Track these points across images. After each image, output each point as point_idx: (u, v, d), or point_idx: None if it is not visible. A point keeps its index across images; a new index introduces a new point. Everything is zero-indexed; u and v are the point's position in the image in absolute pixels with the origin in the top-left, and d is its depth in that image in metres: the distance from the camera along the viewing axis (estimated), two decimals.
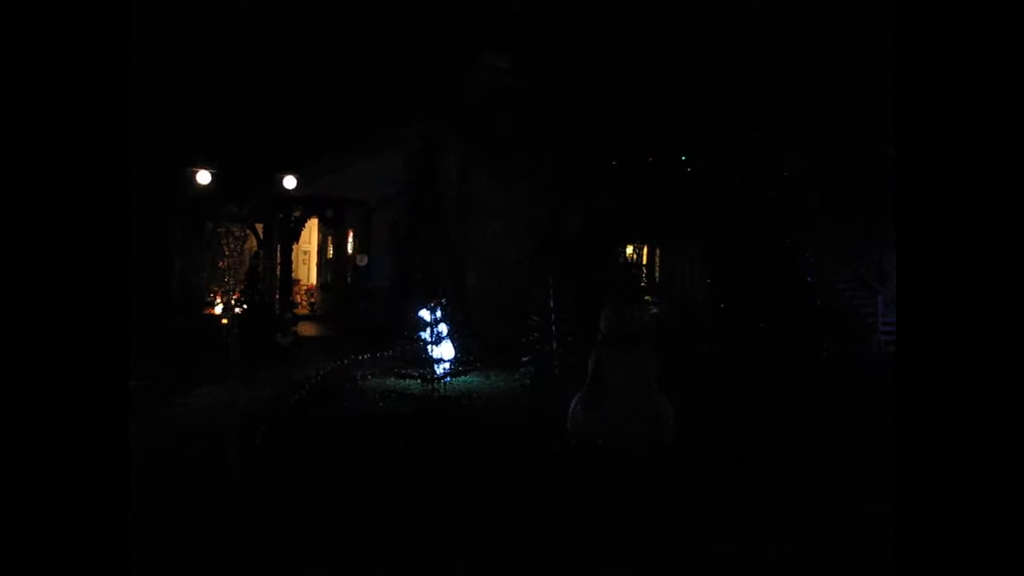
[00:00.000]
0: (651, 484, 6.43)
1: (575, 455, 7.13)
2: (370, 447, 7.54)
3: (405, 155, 17.83)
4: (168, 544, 4.92)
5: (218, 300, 19.51)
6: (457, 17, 26.63)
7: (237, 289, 18.79)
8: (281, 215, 18.73)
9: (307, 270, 25.96)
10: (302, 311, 22.48)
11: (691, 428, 7.64)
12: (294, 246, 20.31)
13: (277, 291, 18.98)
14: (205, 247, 18.10)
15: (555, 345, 11.40)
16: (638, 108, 26.73)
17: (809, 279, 12.53)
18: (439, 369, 9.71)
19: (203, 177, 13.85)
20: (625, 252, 25.03)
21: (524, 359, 11.71)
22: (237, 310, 17.63)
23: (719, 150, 16.65)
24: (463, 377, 10.47)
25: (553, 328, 11.40)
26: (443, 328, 9.80)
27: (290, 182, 15.29)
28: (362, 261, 17.62)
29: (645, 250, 25.64)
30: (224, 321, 16.10)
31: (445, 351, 10.04)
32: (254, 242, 21.21)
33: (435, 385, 9.58)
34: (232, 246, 18.66)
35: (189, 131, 17.44)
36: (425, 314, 9.83)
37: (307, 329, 18.29)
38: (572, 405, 7.43)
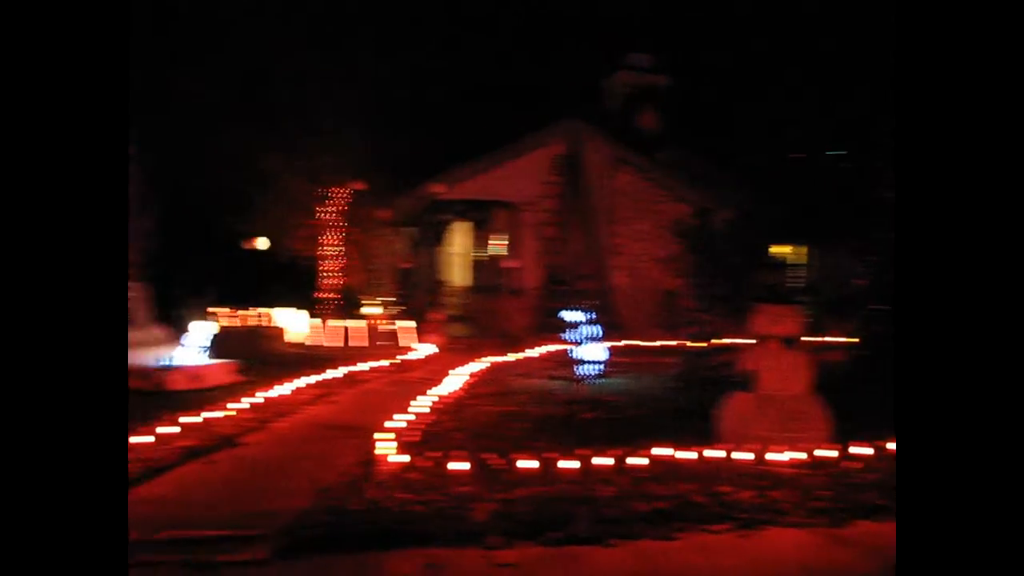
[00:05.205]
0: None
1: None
2: (511, 447, 7.60)
3: (550, 156, 17.99)
4: None
5: (373, 302, 20.33)
6: (599, 19, 26.62)
7: (391, 291, 19.54)
8: (430, 219, 19.33)
9: (456, 272, 26.62)
10: (452, 312, 23.08)
11: (853, 433, 7.29)
12: (443, 248, 20.90)
13: (428, 293, 19.59)
14: (360, 251, 18.92)
15: (705, 346, 11.18)
16: (782, 103, 25.85)
17: None
18: (587, 370, 9.75)
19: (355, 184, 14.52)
20: (777, 252, 24.25)
21: (673, 360, 11.55)
22: (392, 311, 18.32)
23: (870, 146, 15.78)
24: (611, 379, 10.44)
25: (702, 329, 11.19)
26: (591, 329, 9.82)
27: (438, 186, 15.77)
28: (509, 262, 17.91)
29: (800, 249, 24.76)
30: (379, 321, 16.74)
31: (593, 352, 10.06)
32: (405, 246, 21.98)
33: (583, 386, 9.63)
34: (383, 250, 19.43)
35: (341, 139, 18.16)
36: (573, 315, 9.88)
37: (456, 330, 18.75)
38: (723, 408, 7.26)
